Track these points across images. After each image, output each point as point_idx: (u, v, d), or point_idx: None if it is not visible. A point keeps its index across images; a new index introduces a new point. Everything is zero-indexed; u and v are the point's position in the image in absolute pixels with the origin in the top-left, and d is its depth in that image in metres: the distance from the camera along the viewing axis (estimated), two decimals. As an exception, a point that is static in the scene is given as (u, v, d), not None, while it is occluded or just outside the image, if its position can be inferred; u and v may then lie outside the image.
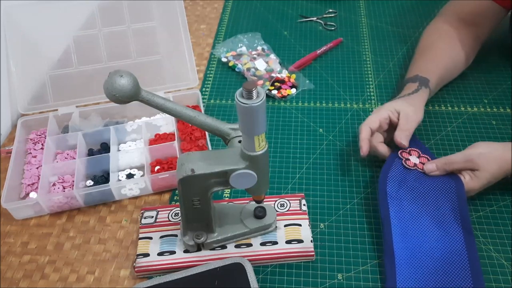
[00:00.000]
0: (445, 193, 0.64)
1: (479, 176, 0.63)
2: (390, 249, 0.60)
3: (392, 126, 0.72)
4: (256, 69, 0.92)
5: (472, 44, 0.85)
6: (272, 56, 0.96)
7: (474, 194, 0.65)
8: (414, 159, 0.68)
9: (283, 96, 0.88)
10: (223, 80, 0.93)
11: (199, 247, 0.62)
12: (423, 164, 0.68)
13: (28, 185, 0.72)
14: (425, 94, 0.76)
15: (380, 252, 0.62)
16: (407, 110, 0.70)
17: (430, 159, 0.69)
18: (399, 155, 0.69)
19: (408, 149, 0.70)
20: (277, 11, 1.12)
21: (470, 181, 0.64)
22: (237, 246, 0.62)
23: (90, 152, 0.77)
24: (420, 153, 0.69)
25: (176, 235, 0.64)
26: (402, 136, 0.69)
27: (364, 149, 0.68)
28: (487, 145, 0.66)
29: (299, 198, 0.68)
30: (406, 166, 0.67)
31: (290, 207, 0.66)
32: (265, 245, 0.62)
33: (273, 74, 0.90)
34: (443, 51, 0.82)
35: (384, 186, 0.65)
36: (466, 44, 0.83)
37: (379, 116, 0.70)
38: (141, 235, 0.64)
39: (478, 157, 0.63)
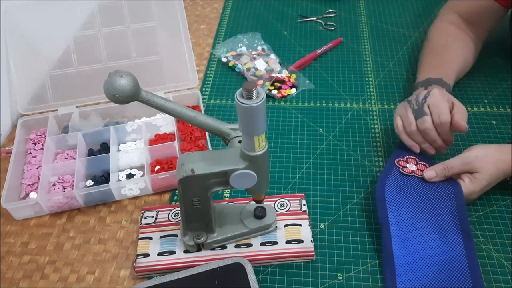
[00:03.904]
0: (444, 198, 0.64)
1: (478, 178, 0.63)
2: (390, 256, 0.59)
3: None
4: (256, 69, 0.92)
5: (478, 44, 0.85)
6: (272, 56, 0.96)
7: (475, 197, 0.65)
8: (411, 167, 0.68)
9: (283, 96, 0.88)
10: (223, 80, 0.93)
11: (199, 247, 0.62)
12: (421, 171, 0.67)
13: (28, 185, 0.72)
14: None
15: (380, 252, 0.62)
16: (461, 105, 0.68)
17: (428, 165, 0.68)
18: (396, 163, 0.69)
19: (406, 157, 0.69)
20: (277, 11, 1.12)
21: (470, 184, 0.63)
22: (237, 246, 0.62)
23: (90, 152, 0.77)
24: (418, 160, 0.69)
25: (176, 235, 0.64)
26: (464, 117, 0.66)
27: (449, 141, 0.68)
28: (483, 147, 0.66)
29: (299, 198, 0.68)
30: (404, 173, 0.67)
31: (290, 207, 0.66)
32: (265, 245, 0.62)
33: (273, 74, 0.90)
34: (457, 54, 0.82)
35: (382, 193, 0.65)
36: (474, 45, 0.84)
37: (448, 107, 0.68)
38: (141, 235, 0.64)
39: (475, 160, 0.63)
